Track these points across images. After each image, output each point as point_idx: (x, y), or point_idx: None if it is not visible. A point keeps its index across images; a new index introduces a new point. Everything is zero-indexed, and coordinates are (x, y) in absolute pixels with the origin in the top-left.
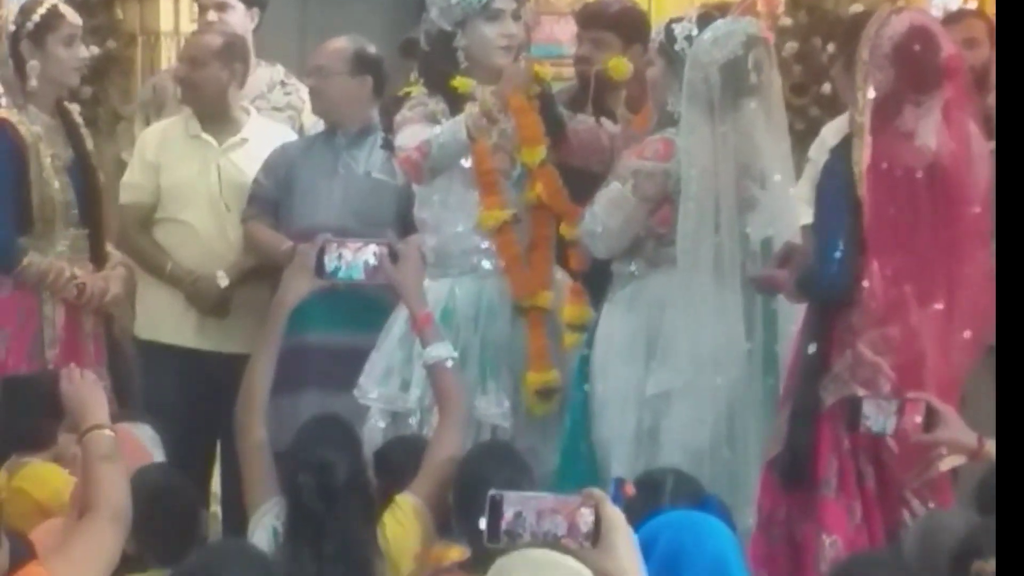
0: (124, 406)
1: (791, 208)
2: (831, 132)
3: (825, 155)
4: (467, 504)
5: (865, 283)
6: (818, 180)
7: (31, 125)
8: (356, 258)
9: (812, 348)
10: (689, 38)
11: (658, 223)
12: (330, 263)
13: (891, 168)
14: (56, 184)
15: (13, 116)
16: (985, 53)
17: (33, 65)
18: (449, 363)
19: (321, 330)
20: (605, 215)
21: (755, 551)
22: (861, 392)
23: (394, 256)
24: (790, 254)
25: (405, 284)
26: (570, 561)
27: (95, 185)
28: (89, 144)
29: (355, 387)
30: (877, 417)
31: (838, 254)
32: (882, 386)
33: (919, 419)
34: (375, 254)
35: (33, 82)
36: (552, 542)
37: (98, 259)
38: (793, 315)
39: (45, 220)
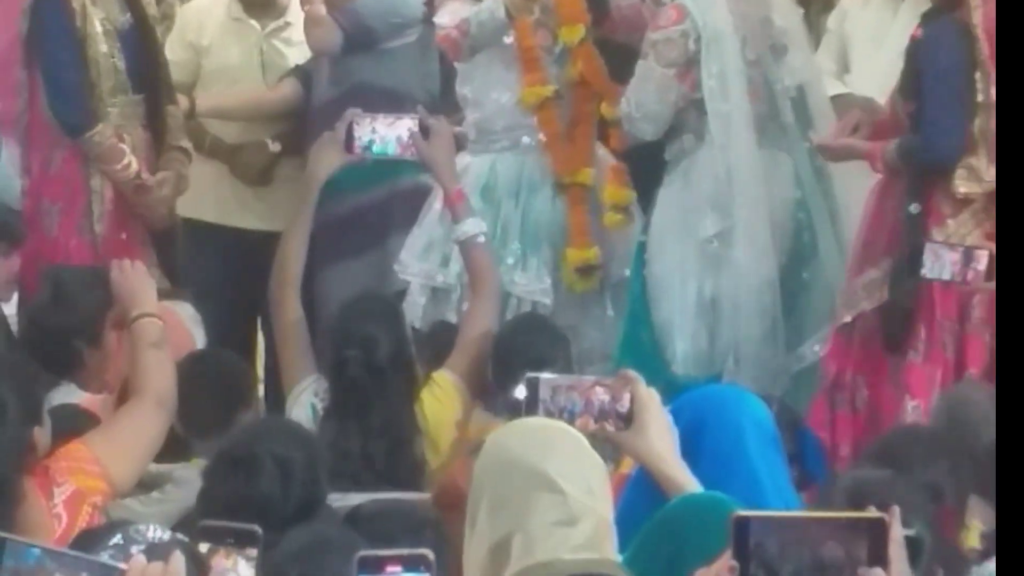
0: (172, 282)
1: (815, 59)
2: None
3: (844, 25)
4: (504, 376)
5: None
6: (924, 49)
7: None
8: (389, 132)
9: (915, 208)
10: None
11: (691, 88)
12: (363, 137)
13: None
14: (104, 48)
15: None
16: None
17: None
18: (480, 239)
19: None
20: (636, 93)
21: (816, 415)
22: None
23: (425, 131)
24: (859, 123)
25: (437, 160)
26: (563, 426)
27: (153, 50)
28: (152, 9)
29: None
30: (933, 266)
31: (956, 122)
32: None
33: (981, 268)
34: (408, 129)
35: None
36: (568, 419)
37: (156, 127)
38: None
39: (91, 84)
